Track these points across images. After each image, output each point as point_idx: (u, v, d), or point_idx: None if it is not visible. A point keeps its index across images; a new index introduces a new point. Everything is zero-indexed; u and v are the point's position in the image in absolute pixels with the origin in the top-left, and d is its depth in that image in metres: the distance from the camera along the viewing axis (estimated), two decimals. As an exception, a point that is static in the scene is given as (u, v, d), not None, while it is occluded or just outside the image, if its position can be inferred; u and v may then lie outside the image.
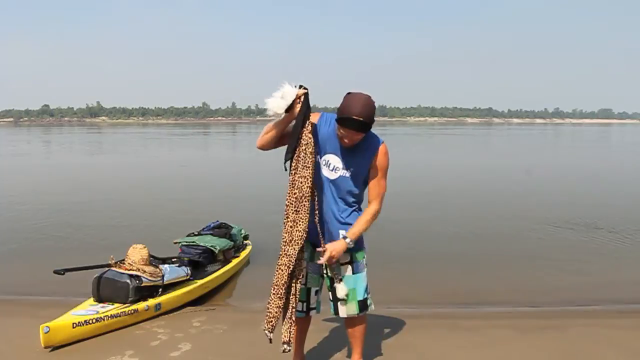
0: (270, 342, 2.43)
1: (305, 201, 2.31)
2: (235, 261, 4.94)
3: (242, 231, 5.48)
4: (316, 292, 2.57)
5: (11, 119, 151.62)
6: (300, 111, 2.27)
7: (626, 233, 6.87)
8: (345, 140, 2.30)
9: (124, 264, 3.72)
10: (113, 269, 3.68)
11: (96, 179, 13.38)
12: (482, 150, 28.32)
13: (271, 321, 2.38)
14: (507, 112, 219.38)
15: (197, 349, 3.14)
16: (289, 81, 2.27)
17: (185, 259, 4.45)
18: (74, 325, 3.21)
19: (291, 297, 2.40)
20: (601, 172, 15.16)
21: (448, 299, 4.51)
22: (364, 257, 2.53)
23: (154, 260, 3.92)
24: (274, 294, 2.38)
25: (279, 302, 2.37)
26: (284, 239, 2.36)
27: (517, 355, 3.14)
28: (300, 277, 2.41)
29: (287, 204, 2.33)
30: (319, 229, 2.38)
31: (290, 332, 2.41)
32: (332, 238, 2.41)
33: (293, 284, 2.39)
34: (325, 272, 2.52)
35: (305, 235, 2.33)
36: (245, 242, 5.50)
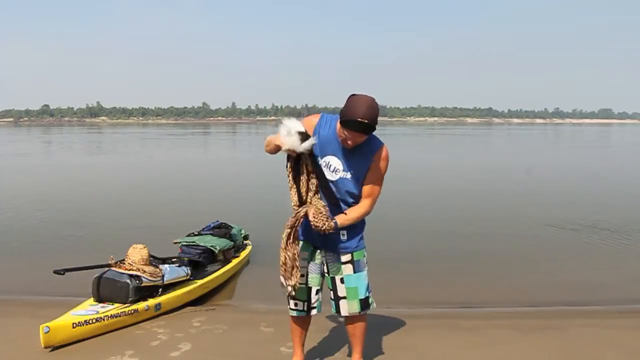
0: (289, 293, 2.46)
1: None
2: (235, 261, 4.94)
3: (242, 231, 5.48)
4: (317, 291, 2.57)
5: (11, 119, 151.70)
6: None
7: (626, 233, 6.87)
8: (349, 142, 2.31)
9: (124, 264, 3.72)
10: (113, 269, 3.68)
11: (96, 179, 13.38)
12: (481, 150, 28.33)
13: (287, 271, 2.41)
14: (507, 112, 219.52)
15: (197, 349, 3.14)
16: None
17: (185, 259, 4.45)
18: (74, 325, 3.21)
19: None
20: (601, 172, 15.16)
21: (448, 299, 4.50)
22: (364, 256, 2.54)
23: (154, 260, 3.92)
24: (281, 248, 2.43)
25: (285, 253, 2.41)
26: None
27: (517, 355, 3.14)
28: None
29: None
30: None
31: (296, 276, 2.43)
32: (332, 238, 2.42)
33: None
34: (326, 271, 2.53)
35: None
36: (245, 242, 5.50)
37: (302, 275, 2.50)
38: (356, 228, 2.49)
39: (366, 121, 2.21)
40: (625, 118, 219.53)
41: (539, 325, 3.68)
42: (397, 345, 3.21)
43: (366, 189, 2.43)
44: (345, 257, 2.48)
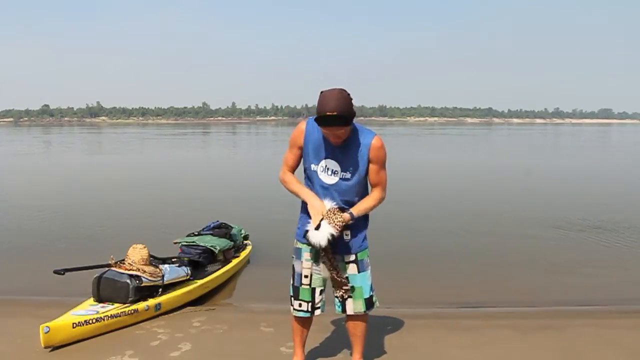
0: None
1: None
2: (235, 261, 4.94)
3: (242, 231, 5.48)
4: (321, 291, 2.57)
5: (11, 119, 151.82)
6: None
7: (626, 233, 6.87)
8: (332, 138, 2.31)
9: (124, 264, 3.71)
10: (113, 269, 3.67)
11: (96, 178, 13.38)
12: (481, 150, 28.31)
13: None
14: (507, 112, 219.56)
15: (197, 349, 3.14)
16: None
17: (185, 259, 4.45)
18: (74, 325, 3.20)
19: None
20: (601, 172, 15.17)
21: (448, 299, 4.50)
22: (367, 256, 2.55)
23: (154, 260, 3.92)
24: None
25: None
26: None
27: (517, 355, 3.14)
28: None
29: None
30: None
31: None
32: (339, 240, 2.40)
33: None
34: (330, 270, 2.52)
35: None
36: (245, 242, 5.50)
37: (306, 276, 2.51)
38: (359, 228, 2.50)
39: (335, 113, 2.18)
40: (625, 118, 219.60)
41: (539, 325, 3.68)
42: (397, 345, 3.21)
43: (372, 179, 2.44)
44: (349, 257, 2.49)
